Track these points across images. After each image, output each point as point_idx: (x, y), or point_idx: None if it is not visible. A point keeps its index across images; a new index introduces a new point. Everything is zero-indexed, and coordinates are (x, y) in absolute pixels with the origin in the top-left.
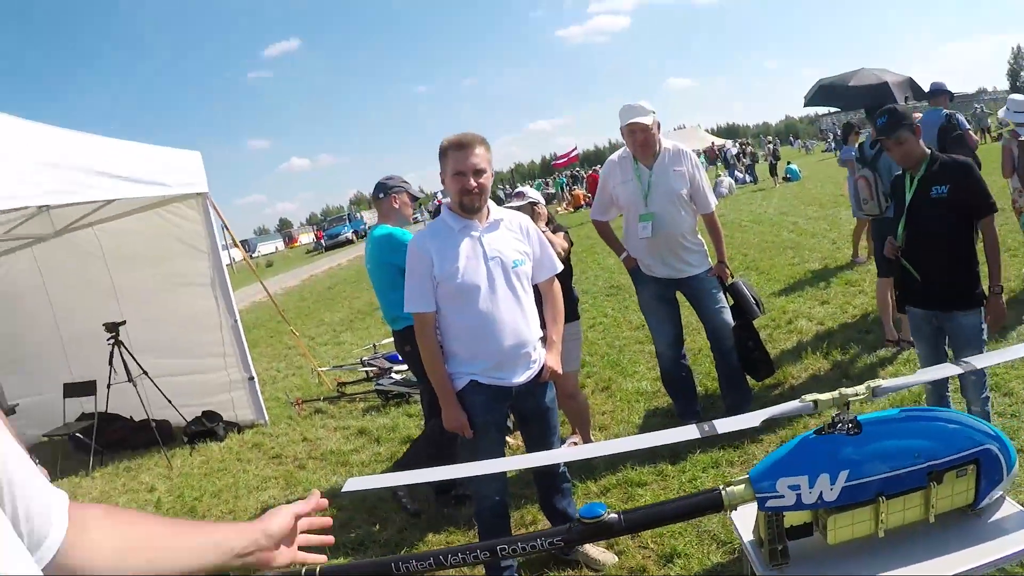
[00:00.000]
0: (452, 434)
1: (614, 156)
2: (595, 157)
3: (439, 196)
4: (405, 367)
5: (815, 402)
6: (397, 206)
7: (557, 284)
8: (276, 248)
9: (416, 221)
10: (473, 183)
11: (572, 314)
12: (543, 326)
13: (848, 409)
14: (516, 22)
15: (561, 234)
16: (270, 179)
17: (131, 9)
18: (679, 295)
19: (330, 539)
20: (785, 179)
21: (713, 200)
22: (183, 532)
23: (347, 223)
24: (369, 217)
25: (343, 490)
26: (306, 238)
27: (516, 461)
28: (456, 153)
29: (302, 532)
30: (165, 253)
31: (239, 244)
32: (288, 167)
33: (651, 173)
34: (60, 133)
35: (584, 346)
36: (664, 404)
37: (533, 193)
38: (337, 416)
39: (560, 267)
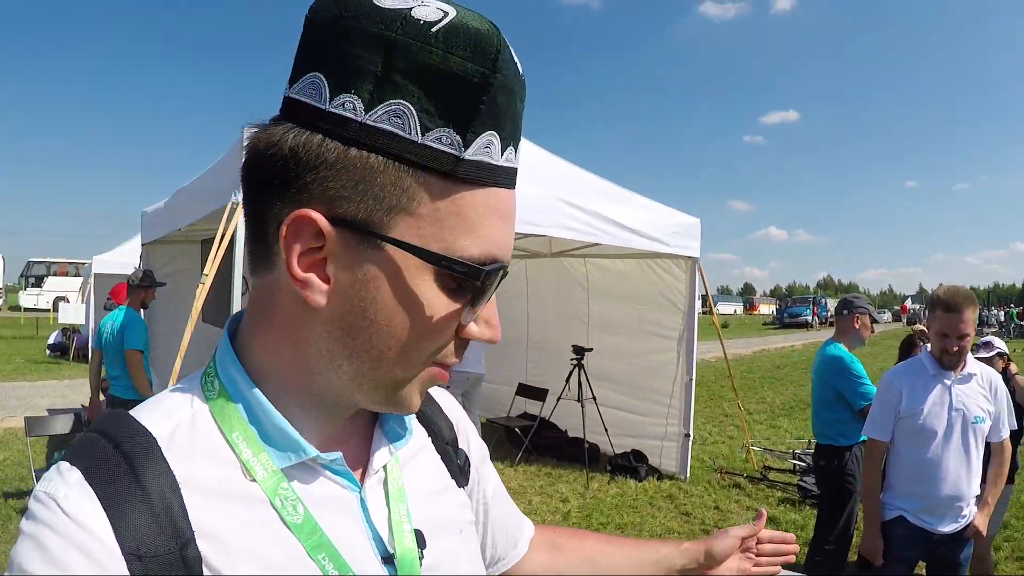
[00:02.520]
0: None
1: None
2: None
3: (906, 303)
4: None
5: None
6: (857, 327)
7: (1009, 447)
8: (735, 311)
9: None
10: (955, 347)
11: (1008, 477)
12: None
13: None
14: (1020, 129)
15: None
16: (744, 242)
17: (652, 60)
18: None
19: (791, 550)
20: None
21: None
22: (625, 547)
23: (810, 306)
24: (831, 304)
25: None
26: (766, 308)
27: None
28: (945, 315)
29: (761, 553)
30: (644, 300)
31: (711, 305)
32: (764, 234)
33: None
34: (579, 173)
35: (1015, 507)
36: None
37: (1000, 344)
38: (753, 496)
39: (1014, 426)
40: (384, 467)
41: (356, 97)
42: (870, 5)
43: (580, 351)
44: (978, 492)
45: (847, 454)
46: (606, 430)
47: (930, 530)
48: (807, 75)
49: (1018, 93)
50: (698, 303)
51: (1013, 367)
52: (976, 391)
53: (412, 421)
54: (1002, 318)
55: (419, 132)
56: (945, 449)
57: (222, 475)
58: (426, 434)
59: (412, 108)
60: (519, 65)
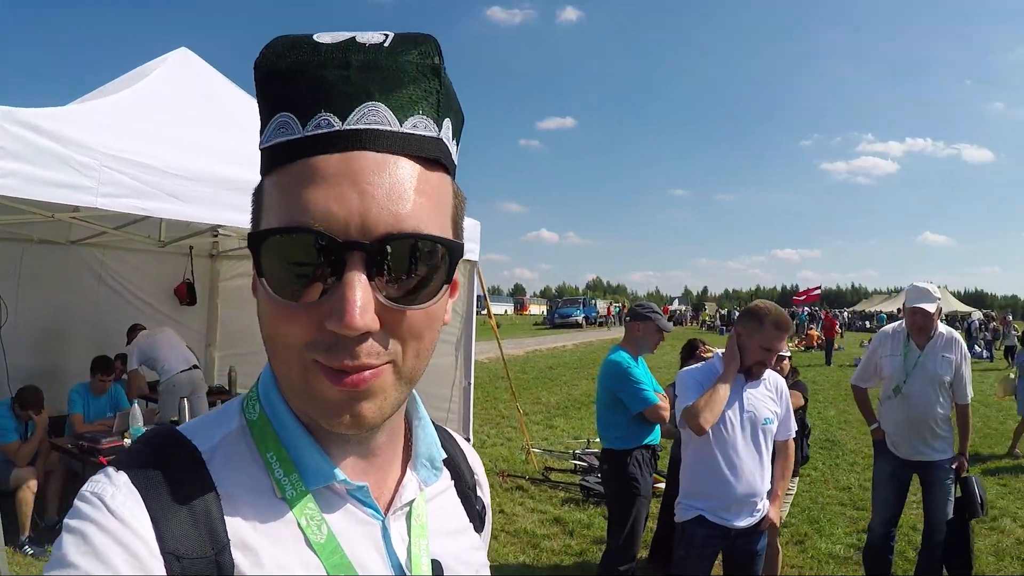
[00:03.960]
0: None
1: (888, 328)
2: (835, 297)
3: (670, 305)
4: None
5: None
6: (639, 334)
7: (792, 444)
8: (506, 311)
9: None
10: (772, 361)
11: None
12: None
13: None
14: (784, 147)
15: (798, 394)
16: (515, 244)
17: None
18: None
19: None
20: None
21: (970, 393)
22: None
23: (580, 307)
24: (601, 306)
25: None
26: (536, 309)
27: None
28: (774, 332)
29: None
30: None
31: (489, 307)
32: (536, 236)
33: (921, 354)
34: None
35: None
36: (854, 573)
37: (785, 351)
38: (537, 498)
39: (795, 429)
40: (411, 502)
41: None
42: (649, 22)
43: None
44: (769, 487)
45: (628, 458)
46: None
47: (728, 526)
48: (586, 84)
49: (778, 114)
50: (482, 304)
51: (787, 365)
52: (765, 394)
53: (440, 463)
54: None
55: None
56: (739, 449)
57: (257, 491)
58: (450, 476)
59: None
60: (320, 42)
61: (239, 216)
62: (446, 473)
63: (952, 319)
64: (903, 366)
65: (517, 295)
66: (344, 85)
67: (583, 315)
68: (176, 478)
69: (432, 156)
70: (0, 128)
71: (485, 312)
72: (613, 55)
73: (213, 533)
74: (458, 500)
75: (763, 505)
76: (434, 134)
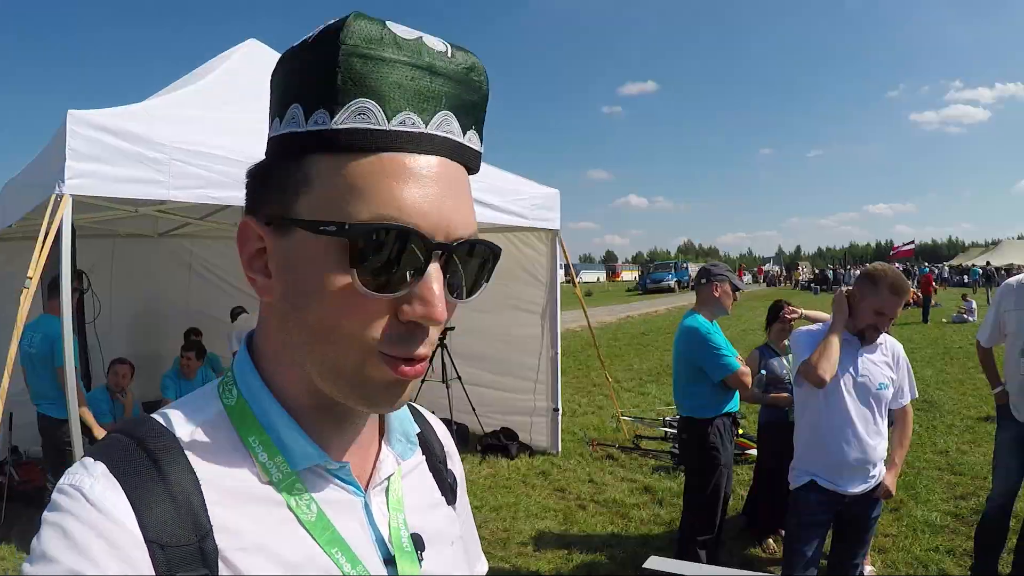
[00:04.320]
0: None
1: (1012, 280)
2: (932, 252)
3: (763, 266)
4: None
5: None
6: (717, 295)
7: (911, 412)
8: (598, 279)
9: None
10: (886, 326)
11: None
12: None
13: None
14: (870, 99)
15: None
16: (605, 210)
17: (508, 34)
18: None
19: None
20: None
21: None
22: None
23: (672, 271)
24: (694, 269)
25: (643, 566)
26: (628, 275)
27: None
28: (890, 297)
29: None
30: (505, 275)
31: (573, 275)
32: (625, 202)
33: None
34: None
35: None
36: (950, 543)
37: None
38: (627, 466)
39: (915, 394)
40: (388, 478)
41: (277, 118)
42: None
43: (443, 331)
44: (884, 455)
45: (709, 427)
46: (474, 410)
47: (841, 492)
48: (666, 47)
49: (863, 65)
50: (561, 273)
51: None
52: (881, 360)
53: (415, 438)
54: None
55: (303, 123)
56: (851, 415)
57: (240, 476)
58: (421, 452)
59: (299, 107)
60: (398, 35)
61: None
62: (418, 448)
63: None
64: None
65: (609, 262)
66: (427, 89)
67: (675, 279)
68: (156, 466)
69: (476, 168)
70: (74, 132)
71: (570, 280)
72: (690, 13)
73: (196, 520)
74: (430, 475)
75: (878, 472)
76: (480, 149)
